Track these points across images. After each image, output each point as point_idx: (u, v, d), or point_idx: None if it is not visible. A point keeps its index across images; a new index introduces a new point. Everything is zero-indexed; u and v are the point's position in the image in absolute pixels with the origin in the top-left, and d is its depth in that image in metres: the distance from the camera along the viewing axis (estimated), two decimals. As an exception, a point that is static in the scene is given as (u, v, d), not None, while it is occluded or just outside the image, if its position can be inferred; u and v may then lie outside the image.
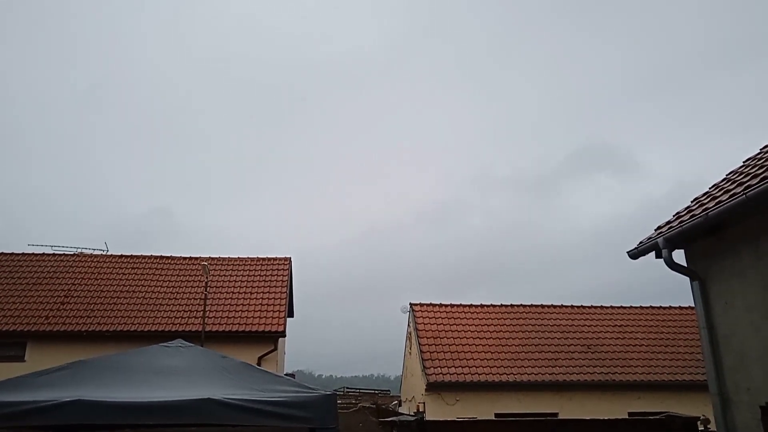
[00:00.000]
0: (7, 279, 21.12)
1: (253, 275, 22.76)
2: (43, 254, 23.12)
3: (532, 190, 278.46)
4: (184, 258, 23.37)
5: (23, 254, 22.75)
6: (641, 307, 23.95)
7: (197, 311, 19.50)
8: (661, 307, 23.92)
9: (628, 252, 9.12)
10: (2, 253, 22.49)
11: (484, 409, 18.31)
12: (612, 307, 23.90)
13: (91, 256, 23.58)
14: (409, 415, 17.37)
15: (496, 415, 18.17)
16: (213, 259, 23.13)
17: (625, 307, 23.90)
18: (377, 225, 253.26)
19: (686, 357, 20.67)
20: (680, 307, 23.36)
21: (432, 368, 20.05)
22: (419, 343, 21.24)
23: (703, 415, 10.63)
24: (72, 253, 23.80)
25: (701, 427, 10.47)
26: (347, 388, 39.83)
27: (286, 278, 22.64)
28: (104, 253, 24.07)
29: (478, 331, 21.96)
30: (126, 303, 20.40)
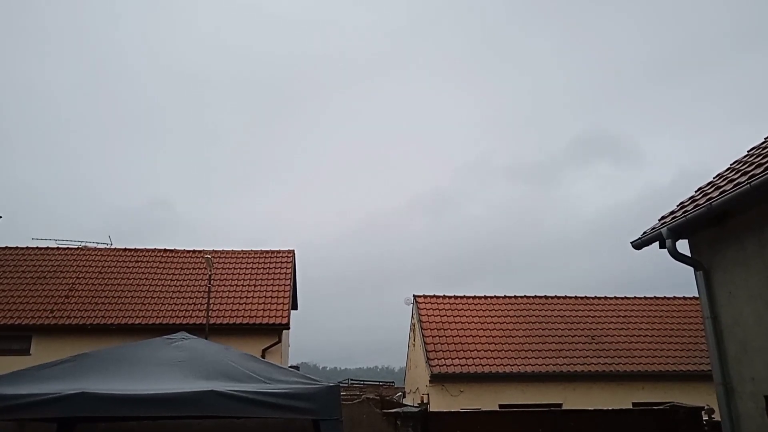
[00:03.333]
0: (12, 273, 21.20)
1: (257, 268, 22.80)
2: (47, 248, 23.22)
3: (534, 180, 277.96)
4: (188, 251, 23.43)
5: (27, 248, 22.83)
6: (645, 298, 23.95)
7: (201, 304, 19.56)
8: (665, 297, 23.92)
9: (631, 242, 9.06)
10: (6, 248, 22.57)
11: (488, 401, 18.38)
12: (615, 297, 23.92)
13: (95, 249, 23.68)
14: (413, 406, 17.40)
15: (500, 406, 18.25)
16: (217, 252, 23.18)
17: (628, 298, 23.90)
18: (379, 217, 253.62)
19: (690, 347, 20.66)
20: (684, 298, 23.36)
21: (436, 360, 20.08)
22: (423, 335, 21.27)
23: (708, 405, 10.65)
24: (76, 246, 23.91)
25: (705, 417, 10.49)
26: (351, 379, 39.94)
27: (289, 271, 22.68)
28: (108, 246, 24.16)
29: (481, 323, 21.99)
30: (130, 296, 20.48)
